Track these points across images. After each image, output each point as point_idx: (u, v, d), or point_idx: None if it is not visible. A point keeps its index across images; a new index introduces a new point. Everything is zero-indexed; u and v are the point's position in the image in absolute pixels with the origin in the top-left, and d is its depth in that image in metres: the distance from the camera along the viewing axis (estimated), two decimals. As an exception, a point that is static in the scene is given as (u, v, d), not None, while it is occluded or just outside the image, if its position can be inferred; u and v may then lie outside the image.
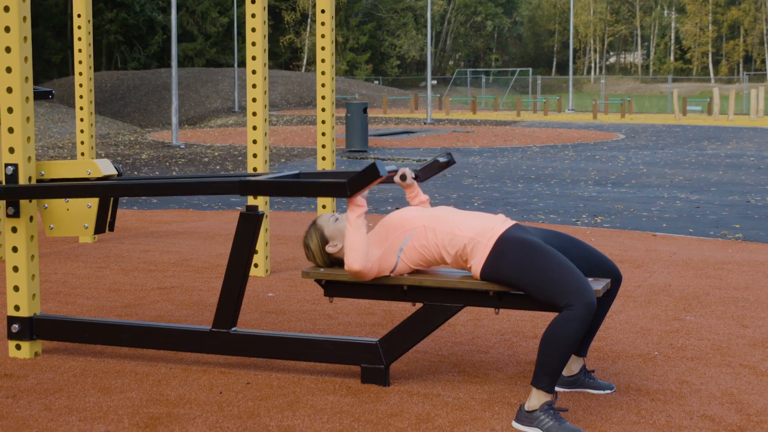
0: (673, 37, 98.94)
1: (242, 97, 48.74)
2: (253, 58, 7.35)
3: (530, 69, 68.29)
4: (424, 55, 50.42)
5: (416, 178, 5.01)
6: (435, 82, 74.15)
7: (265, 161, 7.45)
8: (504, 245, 4.37)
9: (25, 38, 5.00)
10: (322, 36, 8.21)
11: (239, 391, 4.64)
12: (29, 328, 5.13)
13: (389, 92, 60.86)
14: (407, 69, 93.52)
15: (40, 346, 5.24)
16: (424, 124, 37.70)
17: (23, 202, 5.05)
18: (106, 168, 5.17)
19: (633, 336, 5.74)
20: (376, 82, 75.51)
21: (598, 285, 4.36)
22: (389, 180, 4.99)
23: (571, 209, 12.56)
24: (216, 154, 23.08)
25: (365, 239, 4.48)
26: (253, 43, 7.34)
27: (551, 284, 4.21)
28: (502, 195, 14.34)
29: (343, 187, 4.46)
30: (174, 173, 18.18)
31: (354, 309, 6.36)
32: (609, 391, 4.69)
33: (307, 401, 4.50)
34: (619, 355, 5.33)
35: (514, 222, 4.54)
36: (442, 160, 5.23)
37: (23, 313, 5.12)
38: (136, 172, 18.56)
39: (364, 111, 23.35)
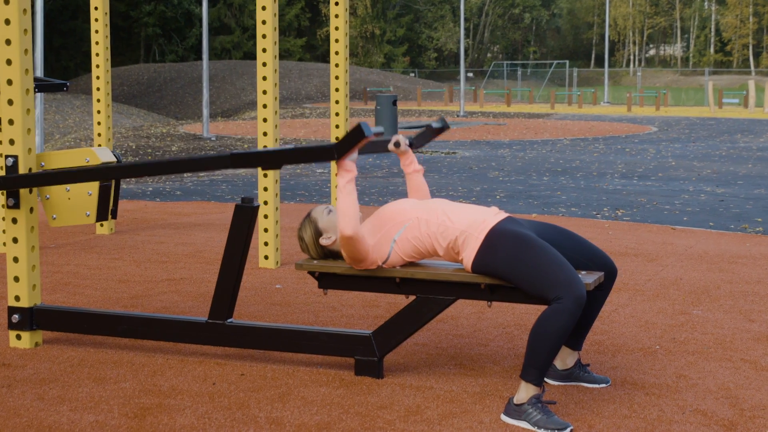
0: (713, 29, 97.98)
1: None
2: (264, 50, 7.36)
3: (567, 62, 67.99)
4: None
5: (411, 145, 5.05)
6: (471, 74, 74.03)
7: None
8: (495, 238, 4.36)
9: (26, 30, 5.04)
10: (336, 28, 8.21)
11: (232, 383, 4.65)
12: (29, 319, 5.18)
13: (425, 85, 60.76)
14: (444, 61, 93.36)
15: (40, 337, 5.28)
16: (457, 116, 37.60)
17: (23, 193, 5.09)
18: (104, 156, 5.20)
19: (636, 330, 5.69)
20: (413, 74, 75.44)
21: (589, 278, 4.33)
22: (384, 148, 5.01)
23: (593, 202, 12.48)
24: (245, 146, 23.14)
25: (356, 205, 4.47)
26: (264, 36, 7.35)
27: (541, 277, 4.20)
28: (526, 188, 14.28)
29: (331, 150, 4.45)
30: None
31: (358, 301, 6.36)
32: (604, 385, 4.65)
33: (298, 393, 4.50)
34: (620, 348, 5.29)
35: (506, 215, 4.52)
36: (435, 125, 5.24)
37: (23, 303, 5.17)
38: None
39: (394, 103, 23.32)
